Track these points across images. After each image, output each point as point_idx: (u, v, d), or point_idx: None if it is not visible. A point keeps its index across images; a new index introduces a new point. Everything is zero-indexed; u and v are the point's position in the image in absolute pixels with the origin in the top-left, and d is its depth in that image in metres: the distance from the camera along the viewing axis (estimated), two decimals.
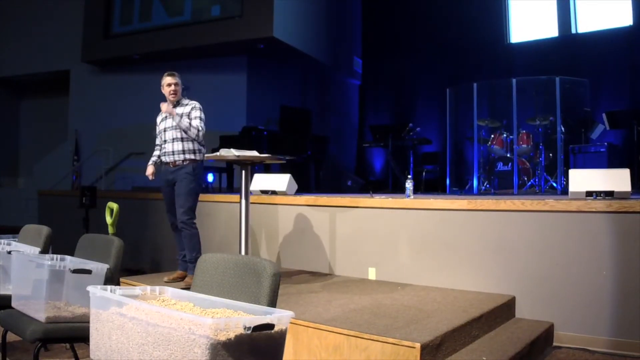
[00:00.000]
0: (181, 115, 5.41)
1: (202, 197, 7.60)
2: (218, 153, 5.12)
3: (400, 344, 3.44)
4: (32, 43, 14.67)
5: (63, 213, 9.68)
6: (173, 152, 5.45)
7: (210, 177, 10.75)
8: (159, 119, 5.70)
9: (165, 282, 5.57)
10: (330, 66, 13.72)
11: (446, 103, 9.92)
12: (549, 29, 11.74)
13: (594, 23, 11.17)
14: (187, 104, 5.52)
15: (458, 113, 9.94)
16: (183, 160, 5.40)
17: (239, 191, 5.07)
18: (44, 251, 4.02)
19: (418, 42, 13.15)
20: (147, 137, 12.94)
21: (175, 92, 5.45)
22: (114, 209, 6.83)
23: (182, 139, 5.41)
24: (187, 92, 12.44)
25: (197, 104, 5.52)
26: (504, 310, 4.76)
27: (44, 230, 4.21)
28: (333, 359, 3.74)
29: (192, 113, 5.44)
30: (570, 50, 10.97)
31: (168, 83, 5.45)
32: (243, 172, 4.94)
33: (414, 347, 3.38)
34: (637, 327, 4.40)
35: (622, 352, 4.41)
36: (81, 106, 14.38)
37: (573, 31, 11.45)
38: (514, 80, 8.72)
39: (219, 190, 9.84)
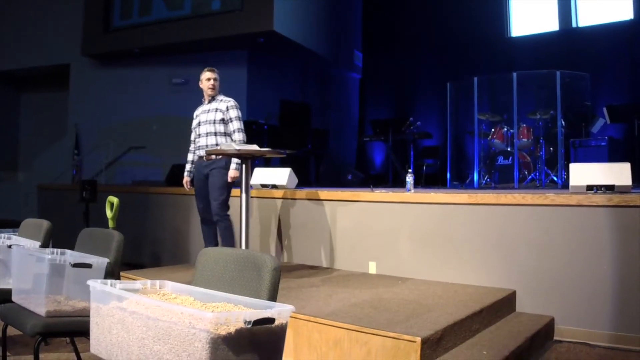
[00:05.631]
0: (215, 110, 5.65)
1: None
2: (219, 147, 5.14)
3: (400, 338, 3.44)
4: (32, 37, 14.64)
5: (63, 207, 9.68)
6: (207, 146, 5.62)
7: None
8: (195, 113, 5.89)
9: None
10: (331, 60, 13.69)
11: (446, 97, 9.91)
12: (550, 23, 11.72)
13: (595, 17, 11.15)
14: (221, 100, 5.71)
15: (458, 107, 9.93)
16: (216, 155, 5.47)
17: (239, 185, 5.06)
18: (44, 245, 4.02)
19: (418, 36, 13.12)
20: (148, 131, 13.04)
21: (213, 87, 5.70)
22: (115, 203, 6.82)
23: (215, 134, 5.60)
24: (186, 86, 12.49)
25: (233, 102, 5.72)
26: (505, 304, 4.76)
27: (44, 224, 4.21)
28: (333, 353, 3.75)
29: (230, 113, 5.64)
30: (570, 44, 10.95)
31: (207, 77, 5.71)
32: (243, 166, 4.93)
33: (414, 342, 3.39)
34: (638, 321, 4.41)
35: (622, 346, 4.42)
36: (81, 100, 14.35)
37: (574, 25, 11.43)
38: (514, 74, 8.71)
39: None
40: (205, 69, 5.75)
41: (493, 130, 9.02)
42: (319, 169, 11.68)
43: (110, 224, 6.77)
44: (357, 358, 3.62)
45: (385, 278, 5.55)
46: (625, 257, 4.50)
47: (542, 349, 4.43)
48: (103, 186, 9.42)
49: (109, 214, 6.82)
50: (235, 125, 5.62)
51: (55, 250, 3.36)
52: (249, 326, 1.96)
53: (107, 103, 13.77)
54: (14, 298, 3.41)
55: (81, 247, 3.60)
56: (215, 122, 5.62)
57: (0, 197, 14.60)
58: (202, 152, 5.65)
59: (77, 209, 8.07)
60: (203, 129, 5.69)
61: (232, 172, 5.45)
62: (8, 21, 15.06)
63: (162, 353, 1.99)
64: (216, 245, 5.79)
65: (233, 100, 5.74)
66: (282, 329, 2.12)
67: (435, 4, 12.77)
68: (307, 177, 10.99)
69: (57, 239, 4.31)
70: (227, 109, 5.64)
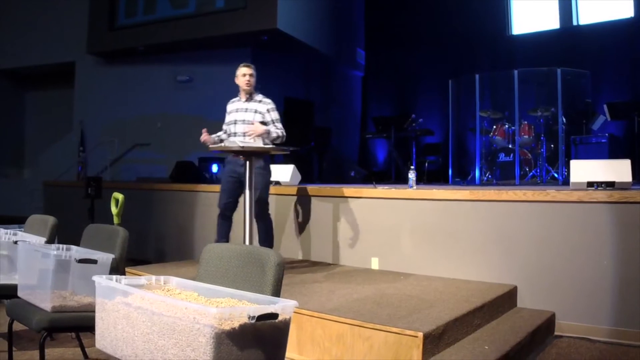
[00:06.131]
0: (254, 111, 5.57)
1: (206, 187, 7.72)
2: (222, 144, 5.15)
3: (403, 333, 3.47)
4: (37, 35, 14.67)
5: (68, 203, 9.72)
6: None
7: (214, 168, 10.79)
8: (230, 107, 5.78)
9: None
10: (333, 58, 13.70)
11: (448, 94, 9.91)
12: (551, 21, 11.70)
13: (596, 15, 11.13)
14: (261, 101, 5.64)
15: (460, 104, 9.94)
16: (255, 153, 5.41)
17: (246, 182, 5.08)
18: (50, 241, 4.05)
19: (420, 33, 13.10)
20: (152, 128, 13.07)
21: (249, 83, 5.58)
22: (120, 200, 6.85)
23: None
24: (190, 83, 12.51)
25: (272, 104, 5.66)
26: (506, 300, 4.79)
27: (50, 220, 4.25)
28: (336, 349, 3.78)
29: (272, 114, 5.58)
30: (571, 42, 10.93)
31: (243, 73, 5.59)
32: (247, 163, 4.95)
33: (416, 337, 3.41)
34: (638, 317, 4.43)
35: (622, 342, 4.44)
36: (86, 97, 14.40)
37: (574, 23, 11.40)
38: (515, 72, 8.71)
39: None
40: (241, 65, 5.63)
41: (494, 127, 9.02)
42: (322, 166, 11.69)
43: (115, 220, 6.80)
44: (360, 353, 3.66)
45: (387, 274, 5.58)
46: (625, 253, 4.52)
47: (543, 344, 4.45)
48: (108, 183, 9.46)
49: (114, 210, 6.85)
50: (279, 126, 5.53)
51: (60, 246, 3.38)
52: (253, 321, 1.98)
53: (112, 100, 13.82)
54: (19, 293, 3.44)
55: (86, 243, 3.63)
56: (254, 123, 5.49)
57: (6, 193, 14.66)
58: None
59: (83, 205, 8.11)
60: (240, 128, 5.55)
61: (258, 127, 5.39)
62: (13, 19, 15.11)
63: (166, 348, 2.01)
64: (227, 241, 5.77)
65: (271, 101, 5.66)
66: (286, 324, 2.14)
67: (437, 2, 12.75)
68: (310, 173, 11.02)
69: (63, 235, 4.33)
70: (268, 111, 5.57)
